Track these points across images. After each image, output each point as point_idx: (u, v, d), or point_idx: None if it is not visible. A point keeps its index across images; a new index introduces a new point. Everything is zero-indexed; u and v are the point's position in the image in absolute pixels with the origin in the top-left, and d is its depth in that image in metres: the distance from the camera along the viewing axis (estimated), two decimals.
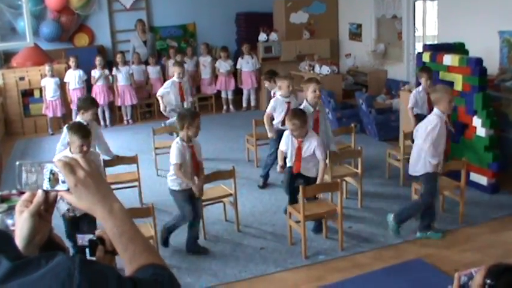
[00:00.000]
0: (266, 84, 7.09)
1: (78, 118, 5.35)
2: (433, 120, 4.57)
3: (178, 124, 4.71)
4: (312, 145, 4.93)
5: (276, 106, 6.15)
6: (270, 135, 6.24)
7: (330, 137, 5.66)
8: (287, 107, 6.02)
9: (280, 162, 5.15)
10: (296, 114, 4.96)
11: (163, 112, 7.48)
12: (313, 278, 4.28)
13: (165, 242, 4.86)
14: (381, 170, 6.51)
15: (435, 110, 4.65)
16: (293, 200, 4.97)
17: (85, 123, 5.08)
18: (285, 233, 4.92)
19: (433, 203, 4.83)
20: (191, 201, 4.70)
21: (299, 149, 4.93)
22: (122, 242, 1.18)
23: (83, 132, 4.40)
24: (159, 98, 7.41)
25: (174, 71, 7.59)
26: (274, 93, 6.65)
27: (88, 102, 5.54)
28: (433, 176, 4.70)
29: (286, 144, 5.02)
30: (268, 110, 6.26)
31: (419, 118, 6.19)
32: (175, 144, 4.69)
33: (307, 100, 5.49)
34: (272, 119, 6.23)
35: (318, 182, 4.88)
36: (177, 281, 1.17)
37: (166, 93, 7.35)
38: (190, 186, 4.70)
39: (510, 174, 5.94)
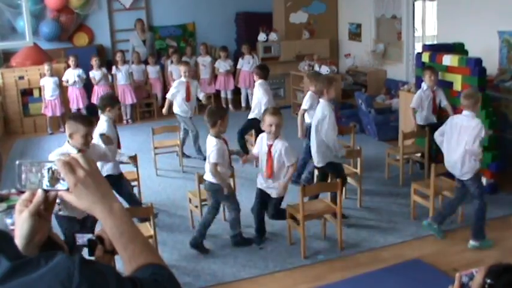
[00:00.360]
0: (256, 78, 7.05)
1: (104, 116, 5.20)
2: (478, 124, 4.55)
3: (209, 121, 4.62)
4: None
5: (314, 103, 5.81)
6: (300, 134, 6.05)
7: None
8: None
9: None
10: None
11: (164, 113, 7.45)
12: (312, 278, 4.28)
13: (202, 248, 4.82)
14: (380, 170, 6.51)
15: (469, 112, 4.63)
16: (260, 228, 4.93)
17: (111, 120, 5.13)
18: (284, 233, 4.92)
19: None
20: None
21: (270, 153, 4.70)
22: (121, 241, 1.17)
23: (87, 120, 4.25)
24: (167, 101, 7.35)
25: (180, 70, 7.53)
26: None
27: (113, 98, 5.60)
28: (479, 175, 4.79)
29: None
30: (303, 105, 6.03)
31: (421, 127, 6.22)
32: (214, 143, 4.58)
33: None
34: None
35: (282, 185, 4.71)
36: (177, 281, 1.17)
37: (177, 94, 7.28)
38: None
39: (509, 175, 5.94)
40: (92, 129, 4.25)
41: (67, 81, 9.16)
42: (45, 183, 1.19)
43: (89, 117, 4.36)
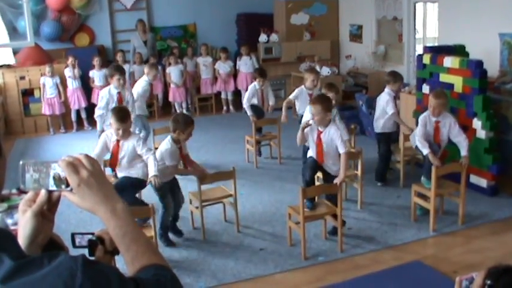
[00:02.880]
0: (256, 81, 7.48)
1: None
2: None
3: (170, 126, 4.81)
4: (331, 136, 4.86)
5: (298, 95, 6.68)
6: (283, 119, 6.77)
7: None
8: (310, 98, 6.12)
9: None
10: (318, 98, 5.01)
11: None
12: (312, 279, 4.28)
13: (168, 241, 4.95)
14: None
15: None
16: (309, 184, 4.95)
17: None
18: (284, 234, 4.92)
19: None
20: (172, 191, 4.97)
21: (319, 140, 4.90)
22: (124, 242, 1.18)
23: (120, 115, 4.73)
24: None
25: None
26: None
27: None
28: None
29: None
30: (290, 96, 6.85)
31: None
32: (167, 147, 4.78)
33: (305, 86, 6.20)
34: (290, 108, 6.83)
35: (341, 175, 4.76)
36: (179, 282, 1.17)
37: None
38: (170, 179, 4.89)
39: (510, 177, 5.94)
40: (123, 125, 4.73)
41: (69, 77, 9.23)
42: (49, 184, 1.19)
43: (123, 112, 4.84)
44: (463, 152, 5.18)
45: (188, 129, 4.78)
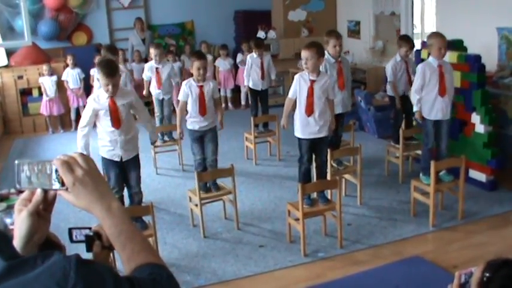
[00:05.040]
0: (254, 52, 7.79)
1: None
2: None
3: None
4: (325, 84, 4.94)
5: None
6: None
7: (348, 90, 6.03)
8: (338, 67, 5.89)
9: (285, 118, 5.19)
10: (312, 43, 5.00)
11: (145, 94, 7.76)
12: (312, 276, 4.28)
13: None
14: (380, 167, 6.52)
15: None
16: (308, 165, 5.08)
17: None
18: (284, 231, 4.92)
19: None
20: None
21: (312, 90, 4.91)
22: (120, 241, 1.17)
23: (108, 69, 4.48)
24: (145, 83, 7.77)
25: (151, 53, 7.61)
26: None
27: None
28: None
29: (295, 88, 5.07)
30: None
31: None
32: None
33: (328, 53, 5.71)
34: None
35: (333, 121, 5.06)
36: (176, 281, 1.17)
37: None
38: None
39: (509, 171, 5.94)
40: (113, 80, 4.53)
41: (67, 82, 9.19)
42: (44, 183, 1.19)
43: (111, 66, 4.59)
44: None
45: (193, 63, 5.33)
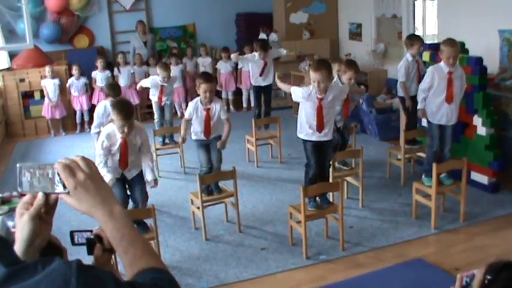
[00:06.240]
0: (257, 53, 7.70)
1: None
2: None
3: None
4: (333, 98, 4.89)
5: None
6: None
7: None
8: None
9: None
10: (323, 63, 4.87)
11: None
12: (314, 278, 4.28)
13: None
14: (381, 169, 6.51)
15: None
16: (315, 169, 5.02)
17: None
18: (286, 234, 4.92)
19: None
20: None
21: (320, 107, 4.83)
22: (122, 245, 1.17)
23: (125, 111, 4.42)
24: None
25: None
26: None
27: None
28: None
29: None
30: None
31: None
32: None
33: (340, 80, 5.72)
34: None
35: None
36: (178, 285, 1.16)
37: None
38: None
39: (511, 173, 5.93)
40: (129, 122, 4.48)
41: (70, 87, 9.27)
42: (46, 186, 1.19)
43: (128, 108, 4.57)
44: None
45: (201, 86, 5.34)
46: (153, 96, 7.56)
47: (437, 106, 5.35)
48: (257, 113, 8.06)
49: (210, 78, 5.50)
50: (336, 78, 5.67)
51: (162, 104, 7.51)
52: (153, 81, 7.49)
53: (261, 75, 7.88)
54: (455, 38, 6.74)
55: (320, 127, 4.88)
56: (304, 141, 5.04)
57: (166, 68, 7.52)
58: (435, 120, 5.40)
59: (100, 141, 4.66)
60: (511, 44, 6.68)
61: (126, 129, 4.46)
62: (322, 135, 4.94)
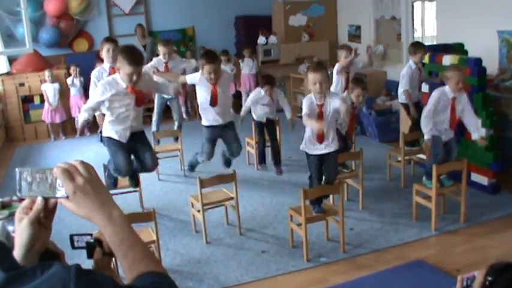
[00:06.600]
0: (264, 89, 6.69)
1: None
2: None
3: None
4: (333, 104, 4.73)
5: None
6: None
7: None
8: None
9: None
10: (319, 65, 4.85)
11: None
12: (315, 281, 4.27)
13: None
14: (381, 171, 6.51)
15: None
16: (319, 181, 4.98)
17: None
18: (286, 236, 4.91)
19: None
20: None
21: (321, 114, 4.72)
22: (121, 249, 1.17)
23: (133, 56, 4.08)
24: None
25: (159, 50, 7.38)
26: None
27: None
28: None
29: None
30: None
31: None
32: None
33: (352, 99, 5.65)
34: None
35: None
36: None
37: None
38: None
39: (511, 174, 5.94)
40: (138, 69, 4.27)
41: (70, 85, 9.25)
42: (45, 191, 1.19)
43: (138, 54, 4.33)
44: (479, 132, 5.16)
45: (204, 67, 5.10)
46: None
47: (440, 129, 5.23)
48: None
49: (213, 58, 5.11)
50: (345, 94, 5.71)
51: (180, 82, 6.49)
52: (158, 61, 7.23)
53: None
54: (454, 39, 6.79)
55: (320, 137, 4.80)
56: (308, 155, 5.00)
57: (167, 43, 7.29)
58: (436, 132, 5.34)
59: (99, 90, 4.29)
60: (510, 44, 6.69)
61: (135, 78, 4.12)
62: (323, 147, 4.86)
